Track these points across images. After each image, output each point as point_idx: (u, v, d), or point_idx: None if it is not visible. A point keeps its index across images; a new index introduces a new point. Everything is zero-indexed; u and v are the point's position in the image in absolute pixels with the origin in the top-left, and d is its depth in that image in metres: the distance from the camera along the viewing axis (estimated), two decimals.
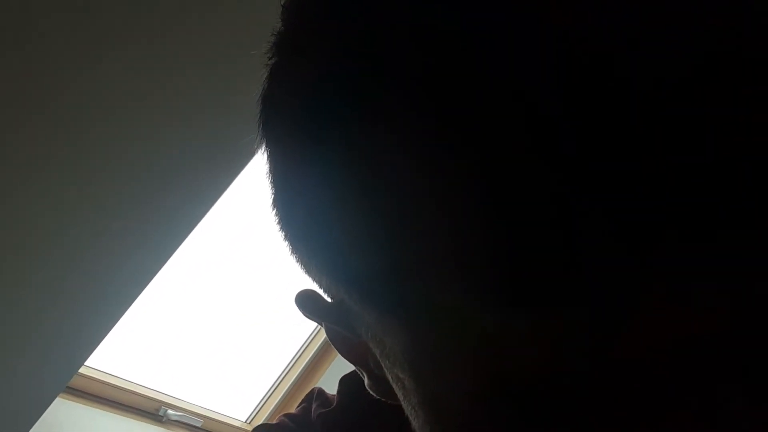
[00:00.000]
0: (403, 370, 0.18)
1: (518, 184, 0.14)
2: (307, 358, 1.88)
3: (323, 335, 1.92)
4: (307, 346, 1.93)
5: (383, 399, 0.22)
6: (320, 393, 0.33)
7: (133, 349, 1.54)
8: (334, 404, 0.31)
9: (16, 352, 0.83)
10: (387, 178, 0.16)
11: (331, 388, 0.34)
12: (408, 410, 0.19)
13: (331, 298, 0.22)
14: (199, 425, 1.60)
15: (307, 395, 0.33)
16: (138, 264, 0.92)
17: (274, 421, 0.32)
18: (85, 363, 0.97)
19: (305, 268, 0.22)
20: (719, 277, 0.13)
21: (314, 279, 0.22)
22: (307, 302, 0.23)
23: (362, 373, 0.23)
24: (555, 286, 0.14)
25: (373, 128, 0.16)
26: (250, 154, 0.98)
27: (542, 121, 0.13)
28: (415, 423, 0.19)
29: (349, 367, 0.33)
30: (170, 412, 1.51)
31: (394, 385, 0.20)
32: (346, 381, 0.31)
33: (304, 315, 0.24)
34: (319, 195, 0.18)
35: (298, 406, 0.32)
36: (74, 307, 0.87)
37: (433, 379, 0.17)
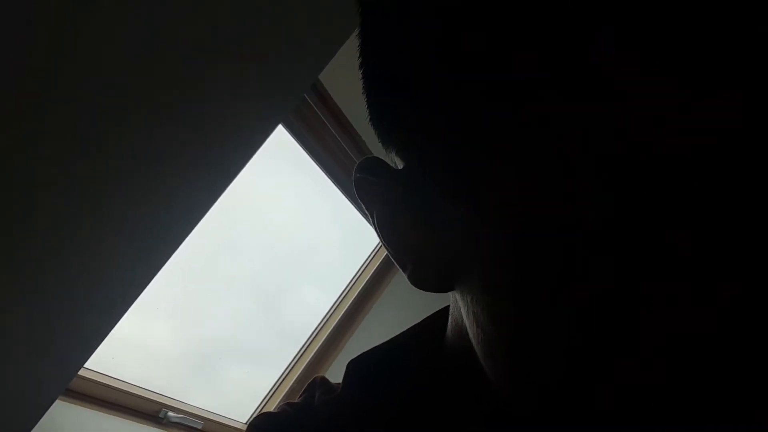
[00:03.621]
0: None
1: None
2: (309, 357, 1.87)
3: (324, 334, 1.92)
4: (309, 345, 1.92)
5: (421, 288, 0.23)
6: (323, 381, 0.32)
7: (133, 350, 1.53)
8: (339, 390, 0.30)
9: (14, 354, 0.82)
10: None
11: None
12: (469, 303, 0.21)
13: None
14: (199, 427, 1.59)
15: (308, 384, 0.32)
16: (137, 264, 0.91)
17: (275, 410, 0.31)
18: (85, 365, 0.97)
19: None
20: None
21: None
22: (372, 163, 0.25)
23: (407, 259, 0.23)
24: None
25: None
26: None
27: None
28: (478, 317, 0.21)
29: (356, 354, 0.32)
30: (171, 414, 1.51)
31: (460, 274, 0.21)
32: (354, 365, 0.31)
33: (364, 176, 0.25)
34: None
35: (299, 396, 0.32)
36: (73, 308, 0.86)
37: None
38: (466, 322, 0.22)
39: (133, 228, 0.87)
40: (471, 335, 0.22)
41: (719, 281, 0.14)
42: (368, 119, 0.26)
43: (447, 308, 0.31)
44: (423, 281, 0.23)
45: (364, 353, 0.32)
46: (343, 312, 1.95)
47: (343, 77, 1.44)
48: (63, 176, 0.74)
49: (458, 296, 0.23)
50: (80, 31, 0.68)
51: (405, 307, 1.99)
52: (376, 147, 1.73)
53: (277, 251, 1.86)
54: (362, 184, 0.25)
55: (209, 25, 0.81)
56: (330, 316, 1.97)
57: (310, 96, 1.48)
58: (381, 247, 2.08)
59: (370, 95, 0.25)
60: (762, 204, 0.14)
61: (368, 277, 2.02)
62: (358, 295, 1.99)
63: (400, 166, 0.24)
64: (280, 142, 1.57)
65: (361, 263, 2.08)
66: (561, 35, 0.16)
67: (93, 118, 0.74)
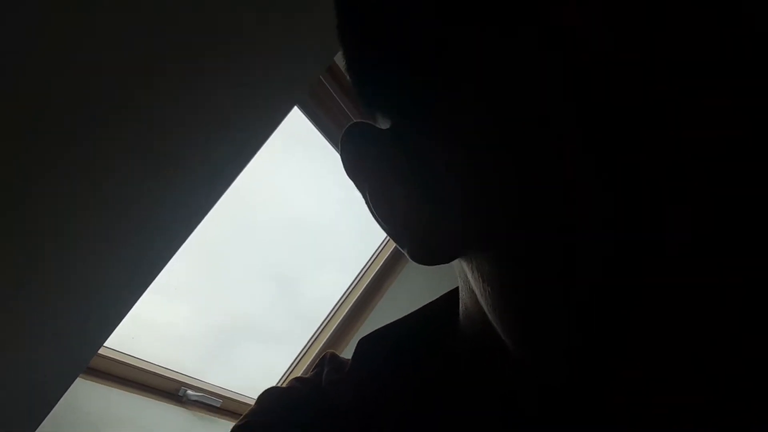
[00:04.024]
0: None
1: None
2: (326, 337, 1.89)
3: (343, 311, 1.93)
4: (325, 326, 1.94)
5: (423, 263, 0.22)
6: (333, 357, 0.32)
7: (153, 330, 1.55)
8: (348, 370, 0.30)
9: (36, 333, 0.83)
10: None
11: None
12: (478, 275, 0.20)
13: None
14: (218, 405, 1.62)
15: (319, 360, 0.32)
16: (155, 244, 0.92)
17: (285, 385, 0.31)
18: (106, 344, 0.98)
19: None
20: None
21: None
22: (358, 128, 0.23)
23: (405, 235, 0.22)
24: None
25: None
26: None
27: None
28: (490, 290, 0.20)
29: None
30: (190, 392, 1.53)
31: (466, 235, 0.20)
32: (365, 347, 0.30)
33: (351, 149, 0.23)
34: None
35: (311, 371, 0.31)
36: (94, 287, 0.87)
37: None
38: (472, 282, 0.22)
39: (148, 209, 0.87)
40: (478, 294, 0.22)
41: (720, 282, 0.15)
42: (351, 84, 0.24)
43: (457, 289, 0.30)
44: (424, 257, 0.22)
45: (375, 332, 0.31)
46: (359, 293, 1.96)
47: None
48: (71, 162, 0.75)
49: (464, 263, 0.22)
50: (81, 25, 0.68)
51: (420, 289, 1.99)
52: None
53: (294, 233, 1.87)
54: (350, 153, 0.23)
55: (224, 8, 0.80)
56: (346, 297, 1.98)
57: (323, 74, 1.47)
58: None
59: (355, 62, 0.23)
60: (762, 204, 0.14)
61: (384, 259, 2.02)
62: (374, 276, 1.99)
63: (386, 126, 0.23)
64: (295, 123, 1.57)
65: (377, 245, 2.08)
66: (561, 37, 0.16)
67: (99, 97, 0.74)
